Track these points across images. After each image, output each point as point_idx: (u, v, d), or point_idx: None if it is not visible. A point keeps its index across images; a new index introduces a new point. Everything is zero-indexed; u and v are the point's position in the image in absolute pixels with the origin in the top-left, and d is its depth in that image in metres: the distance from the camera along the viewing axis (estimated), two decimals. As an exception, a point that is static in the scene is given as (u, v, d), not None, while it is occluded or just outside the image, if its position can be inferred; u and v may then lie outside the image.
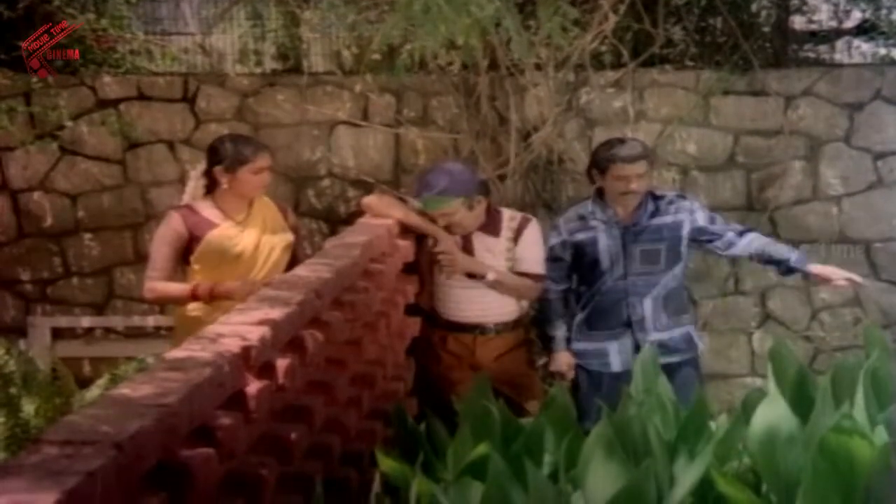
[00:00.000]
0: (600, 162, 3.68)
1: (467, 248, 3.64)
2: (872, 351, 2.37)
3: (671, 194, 3.80)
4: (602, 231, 3.70)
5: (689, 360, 3.75)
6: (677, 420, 2.37)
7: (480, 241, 3.67)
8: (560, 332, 3.83)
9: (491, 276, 3.60)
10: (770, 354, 2.50)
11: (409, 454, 2.52)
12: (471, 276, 3.60)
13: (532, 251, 3.70)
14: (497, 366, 3.65)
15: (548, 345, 3.91)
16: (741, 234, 3.75)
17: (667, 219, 3.69)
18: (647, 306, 3.69)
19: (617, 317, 3.71)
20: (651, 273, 3.68)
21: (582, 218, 3.76)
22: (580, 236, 3.73)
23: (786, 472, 2.01)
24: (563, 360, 3.82)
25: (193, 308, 3.42)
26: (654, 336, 3.63)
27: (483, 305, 3.67)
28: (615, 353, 3.73)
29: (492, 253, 3.66)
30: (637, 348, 3.66)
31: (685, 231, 3.70)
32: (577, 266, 3.79)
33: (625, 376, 3.65)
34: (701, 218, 3.71)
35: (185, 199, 3.56)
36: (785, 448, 2.02)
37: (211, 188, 3.52)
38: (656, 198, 3.74)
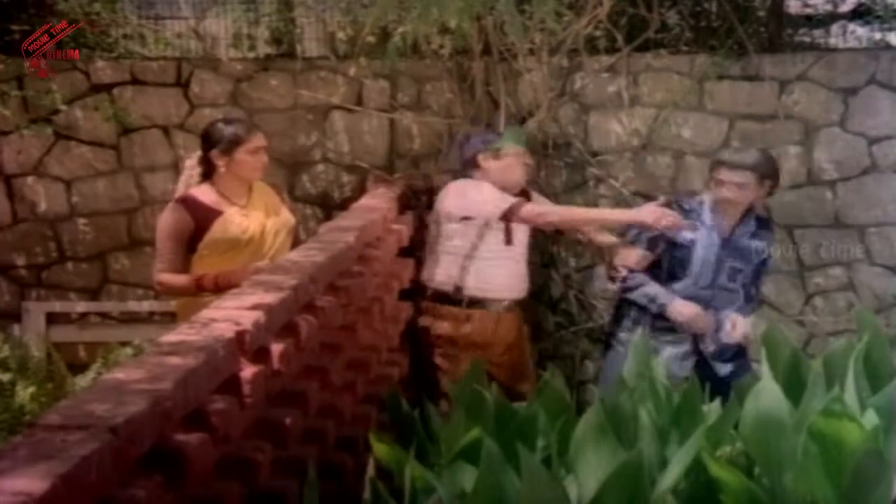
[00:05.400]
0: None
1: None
2: (865, 335, 2.38)
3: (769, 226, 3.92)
4: (701, 235, 3.65)
5: (742, 364, 3.71)
6: (670, 405, 2.38)
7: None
8: (657, 287, 3.64)
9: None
10: (763, 339, 2.51)
11: (403, 439, 2.53)
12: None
13: None
14: (507, 344, 3.68)
15: (654, 306, 3.62)
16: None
17: (756, 243, 3.77)
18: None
19: None
20: (731, 290, 3.71)
21: (686, 212, 3.66)
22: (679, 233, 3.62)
23: (778, 456, 2.02)
24: (683, 309, 3.58)
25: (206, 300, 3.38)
26: (713, 347, 3.66)
27: (507, 280, 3.74)
28: (664, 358, 3.22)
29: None
30: (687, 357, 3.63)
31: (758, 260, 3.78)
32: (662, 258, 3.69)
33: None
34: (765, 258, 3.81)
35: (180, 188, 3.52)
36: (777, 432, 2.03)
37: (207, 175, 3.49)
38: (759, 220, 3.84)
